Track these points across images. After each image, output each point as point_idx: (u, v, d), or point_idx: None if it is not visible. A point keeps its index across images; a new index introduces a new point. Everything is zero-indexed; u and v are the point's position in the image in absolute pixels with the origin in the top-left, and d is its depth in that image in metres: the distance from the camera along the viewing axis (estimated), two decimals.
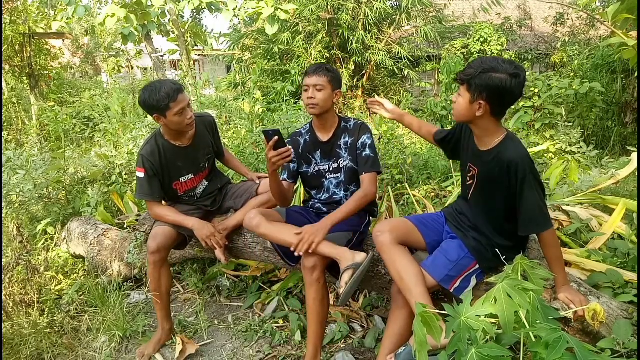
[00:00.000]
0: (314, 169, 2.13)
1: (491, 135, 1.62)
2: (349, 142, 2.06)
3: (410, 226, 1.81)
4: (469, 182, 1.73)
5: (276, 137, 1.74)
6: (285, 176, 2.14)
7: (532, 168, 1.55)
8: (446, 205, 2.04)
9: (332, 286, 2.27)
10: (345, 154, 2.07)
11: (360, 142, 2.03)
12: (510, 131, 1.66)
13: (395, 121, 2.39)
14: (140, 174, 2.15)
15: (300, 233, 1.81)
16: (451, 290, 1.66)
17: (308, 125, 2.17)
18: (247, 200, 2.34)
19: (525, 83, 1.56)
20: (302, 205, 2.30)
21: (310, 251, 1.78)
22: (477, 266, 1.70)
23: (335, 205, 2.07)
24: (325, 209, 2.12)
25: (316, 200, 2.16)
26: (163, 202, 2.30)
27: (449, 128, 1.96)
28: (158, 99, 1.98)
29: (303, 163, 2.14)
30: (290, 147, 1.81)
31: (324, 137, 2.10)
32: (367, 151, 2.02)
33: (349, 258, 1.76)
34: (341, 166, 2.09)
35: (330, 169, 2.11)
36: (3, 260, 2.47)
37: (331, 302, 2.18)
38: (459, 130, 1.84)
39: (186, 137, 2.21)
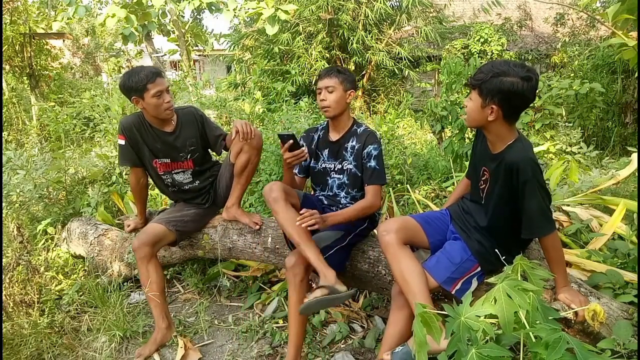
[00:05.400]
0: (320, 165, 2.17)
1: (503, 139, 1.61)
2: (355, 146, 2.06)
3: (416, 226, 1.81)
4: (482, 186, 1.72)
5: (291, 141, 1.89)
6: (296, 171, 2.20)
7: (536, 172, 1.52)
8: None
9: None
10: (350, 157, 2.08)
11: (366, 151, 2.03)
12: (523, 135, 1.64)
13: (395, 121, 2.39)
14: (122, 142, 2.21)
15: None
16: (452, 292, 1.66)
17: (325, 123, 2.21)
18: (227, 174, 2.35)
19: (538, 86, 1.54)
20: None
21: (311, 227, 1.78)
22: (479, 268, 1.70)
23: (336, 206, 2.11)
24: (326, 202, 2.15)
25: (320, 196, 2.19)
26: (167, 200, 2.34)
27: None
28: (137, 80, 2.03)
29: (312, 158, 2.19)
30: (304, 148, 1.93)
31: (334, 136, 2.13)
32: (372, 162, 2.01)
33: (330, 279, 1.73)
34: (345, 168, 2.10)
35: (335, 169, 2.13)
36: (3, 260, 2.47)
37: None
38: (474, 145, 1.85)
39: (168, 126, 2.24)
